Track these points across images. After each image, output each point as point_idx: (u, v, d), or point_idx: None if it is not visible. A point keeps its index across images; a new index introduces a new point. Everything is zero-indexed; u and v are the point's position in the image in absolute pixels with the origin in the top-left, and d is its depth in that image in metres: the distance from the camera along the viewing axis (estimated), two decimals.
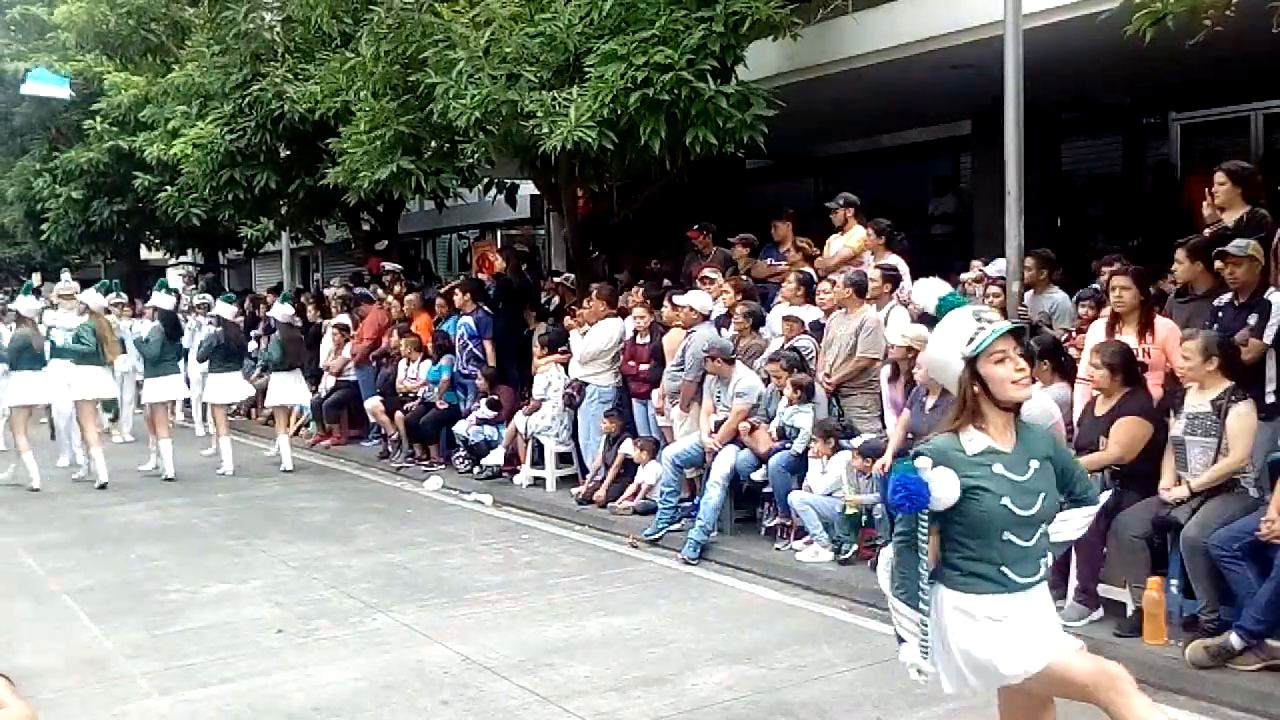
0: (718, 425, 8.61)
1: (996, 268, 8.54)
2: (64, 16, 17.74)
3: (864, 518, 7.65)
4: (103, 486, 11.31)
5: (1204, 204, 7.31)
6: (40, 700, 5.10)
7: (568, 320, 11.32)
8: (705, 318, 9.21)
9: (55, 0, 19.27)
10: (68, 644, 6.46)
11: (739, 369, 8.63)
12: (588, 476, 10.21)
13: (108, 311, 12.91)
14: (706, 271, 10.00)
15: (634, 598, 7.36)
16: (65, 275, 15.25)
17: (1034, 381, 6.76)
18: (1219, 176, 6.97)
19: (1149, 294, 6.78)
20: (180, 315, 13.59)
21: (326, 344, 14.27)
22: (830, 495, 7.78)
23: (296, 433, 14.02)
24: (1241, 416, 5.71)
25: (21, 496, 10.97)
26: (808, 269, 9.70)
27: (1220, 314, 6.35)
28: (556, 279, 12.94)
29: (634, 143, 9.20)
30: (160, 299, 12.41)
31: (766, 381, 8.61)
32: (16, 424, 11.48)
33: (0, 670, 2.36)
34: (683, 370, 9.06)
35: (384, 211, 17.16)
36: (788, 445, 8.15)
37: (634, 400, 10.06)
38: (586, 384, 10.35)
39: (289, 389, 12.87)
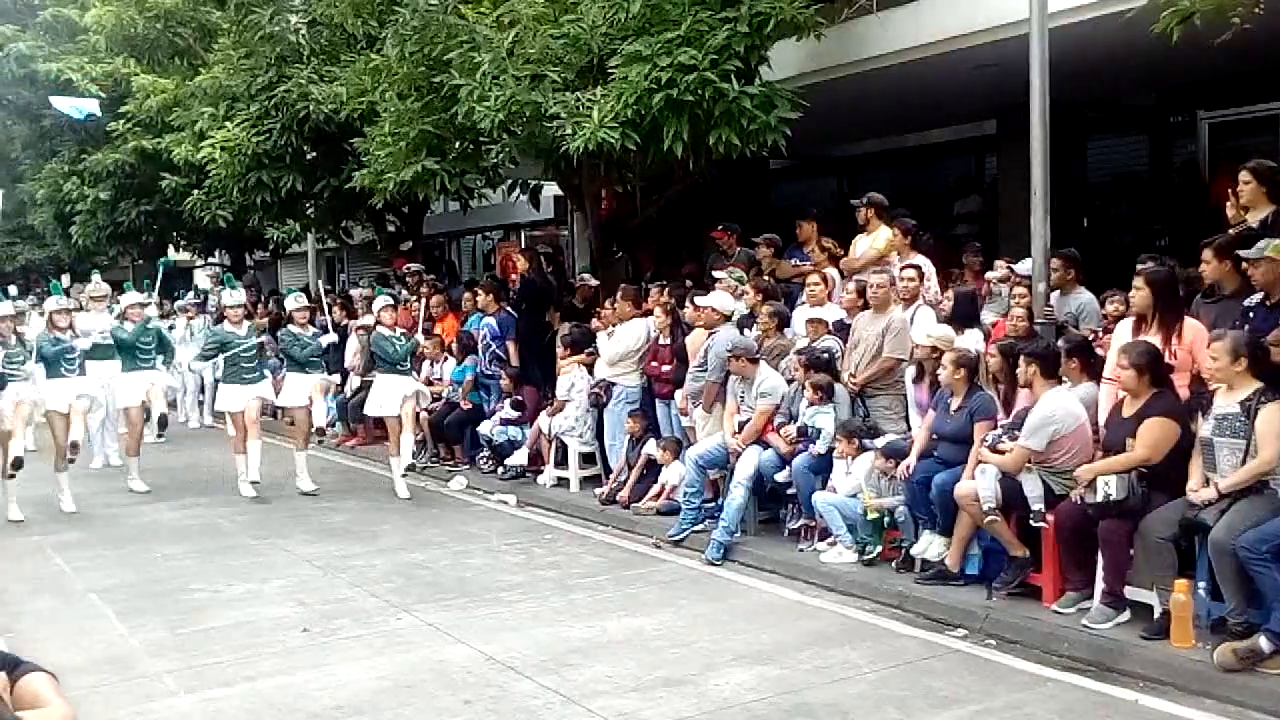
0: (741, 426, 8.58)
1: (1023, 267, 8.48)
2: (94, 20, 17.90)
3: (887, 520, 7.61)
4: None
5: (1227, 203, 7.24)
6: (66, 697, 5.12)
7: (594, 322, 11.31)
8: (727, 318, 9.18)
9: (87, 3, 19.39)
10: (93, 641, 6.51)
11: (763, 369, 8.59)
12: (611, 477, 10.21)
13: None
14: (716, 272, 9.92)
15: (656, 598, 7.35)
16: (95, 277, 15.33)
17: (1061, 382, 6.77)
18: (1244, 175, 6.90)
19: (1175, 295, 6.71)
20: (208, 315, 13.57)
21: (352, 345, 14.29)
22: (854, 496, 7.75)
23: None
24: (1271, 418, 5.64)
25: (50, 499, 10.70)
26: (832, 269, 9.67)
27: (1251, 314, 6.28)
28: (580, 282, 12.85)
29: (657, 144, 9.19)
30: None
31: (790, 382, 8.58)
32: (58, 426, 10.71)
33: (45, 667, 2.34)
34: (705, 371, 9.04)
35: (409, 212, 17.22)
36: (810, 445, 8.11)
37: (657, 401, 10.05)
38: (614, 384, 10.35)
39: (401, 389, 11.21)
